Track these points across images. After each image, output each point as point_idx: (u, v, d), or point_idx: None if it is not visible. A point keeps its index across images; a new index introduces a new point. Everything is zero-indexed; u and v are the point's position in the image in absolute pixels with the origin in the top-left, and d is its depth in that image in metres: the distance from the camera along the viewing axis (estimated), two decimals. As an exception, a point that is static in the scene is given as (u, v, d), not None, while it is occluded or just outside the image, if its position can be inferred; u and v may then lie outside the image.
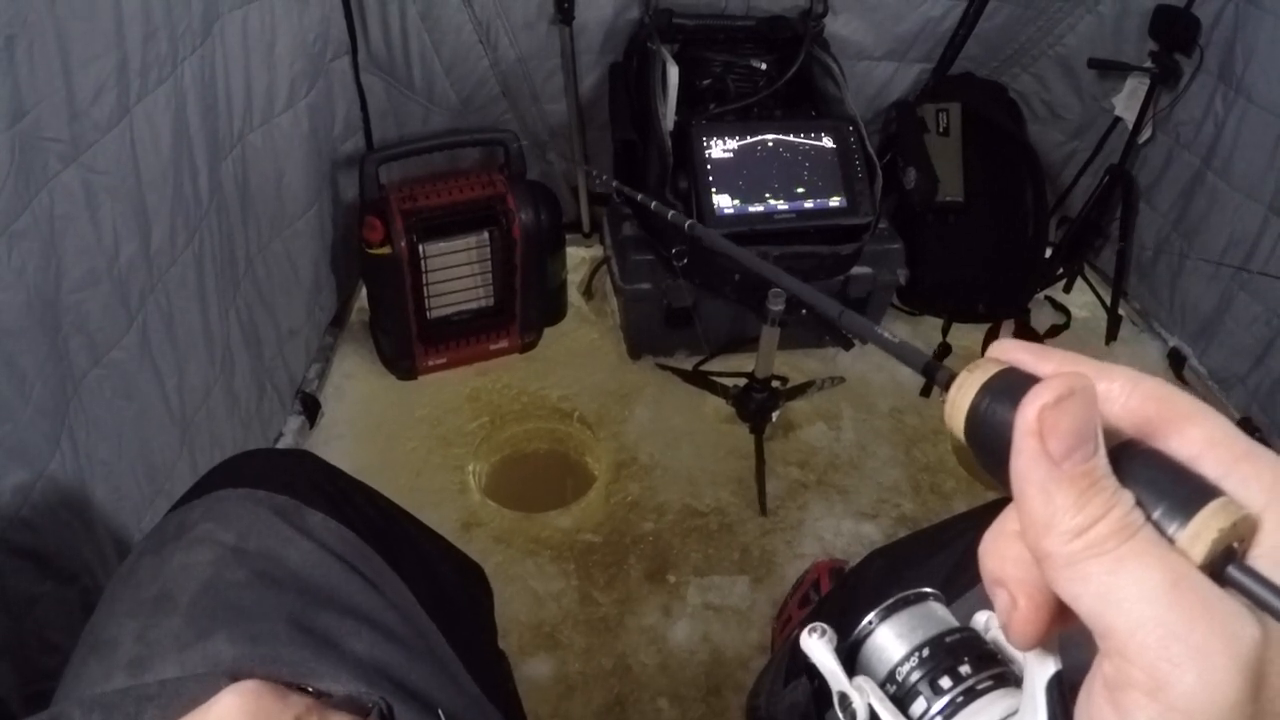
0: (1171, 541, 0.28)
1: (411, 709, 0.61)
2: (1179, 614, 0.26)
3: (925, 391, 1.92)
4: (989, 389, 0.32)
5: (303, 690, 0.51)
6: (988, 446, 0.32)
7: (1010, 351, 0.33)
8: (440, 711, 0.63)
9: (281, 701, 0.38)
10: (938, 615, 0.46)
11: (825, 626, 0.47)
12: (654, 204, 1.24)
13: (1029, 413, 0.28)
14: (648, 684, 1.41)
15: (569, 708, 1.37)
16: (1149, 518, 0.28)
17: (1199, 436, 0.29)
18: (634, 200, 1.87)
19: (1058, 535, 0.28)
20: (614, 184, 1.34)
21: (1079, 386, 0.29)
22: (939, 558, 0.80)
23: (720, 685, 1.41)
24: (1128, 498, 0.28)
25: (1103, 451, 0.29)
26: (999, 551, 0.32)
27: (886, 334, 0.42)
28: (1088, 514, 0.28)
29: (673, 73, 1.65)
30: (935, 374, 0.37)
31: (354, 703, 0.49)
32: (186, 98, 1.18)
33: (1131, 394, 0.30)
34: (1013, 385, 0.31)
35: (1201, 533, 0.27)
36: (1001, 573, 0.32)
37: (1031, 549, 0.30)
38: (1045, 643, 0.33)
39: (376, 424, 1.82)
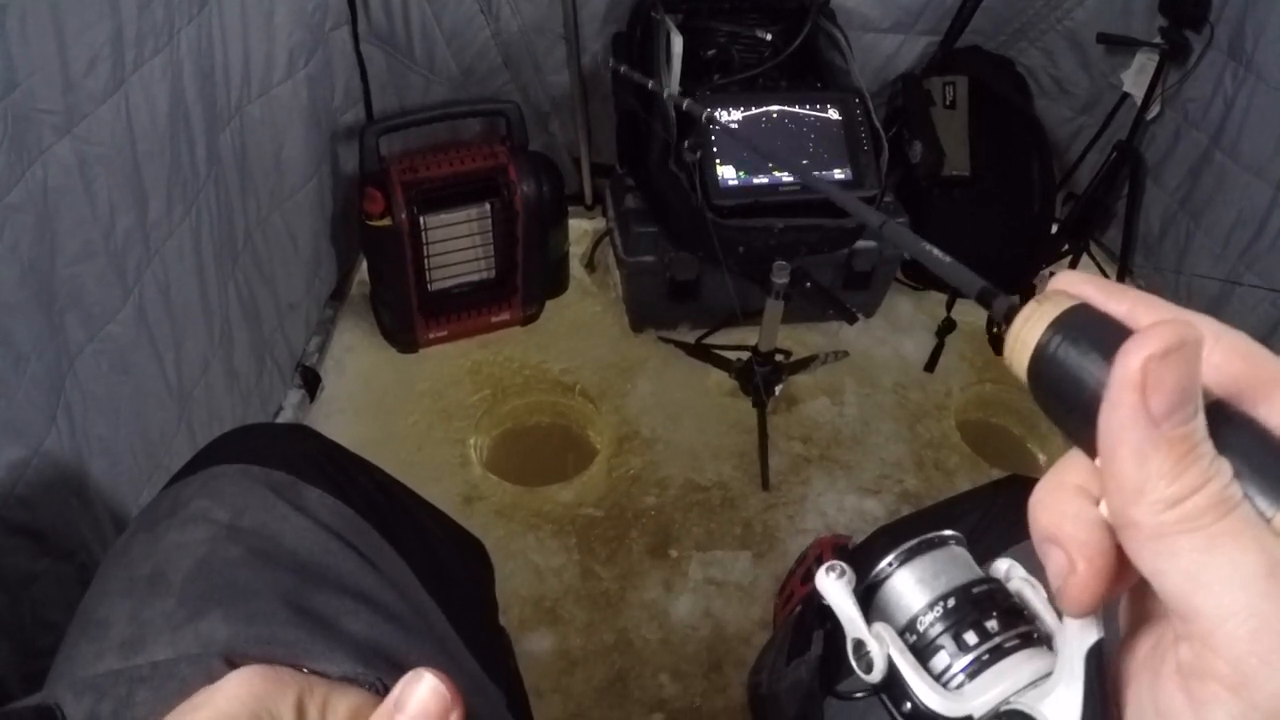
0: (1266, 521, 0.26)
1: None
2: (1275, 605, 0.24)
3: (929, 366, 1.91)
4: (1060, 326, 0.29)
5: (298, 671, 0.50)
6: (1055, 390, 0.29)
7: (1078, 285, 0.30)
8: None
9: (284, 684, 0.38)
10: (962, 562, 0.43)
11: (844, 566, 0.43)
12: (666, 93, 1.22)
13: (1133, 363, 0.25)
14: (649, 659, 1.41)
15: (570, 683, 1.38)
16: (1244, 493, 0.26)
17: None
18: (637, 177, 1.87)
19: (1149, 504, 0.26)
20: (623, 69, 1.30)
21: (1189, 338, 0.25)
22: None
23: (721, 661, 1.41)
24: (1226, 469, 0.26)
25: (1202, 414, 0.26)
26: (1056, 507, 0.30)
27: (936, 251, 0.39)
28: (1184, 483, 0.25)
29: (677, 43, 1.63)
30: (993, 302, 0.34)
31: (350, 683, 0.48)
32: (183, 68, 1.17)
33: (1215, 349, 0.28)
34: (1089, 325, 0.28)
35: None
36: (1059, 531, 0.29)
37: (1115, 514, 0.27)
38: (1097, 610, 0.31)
39: (377, 398, 1.81)
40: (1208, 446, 0.26)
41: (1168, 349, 0.25)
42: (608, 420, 1.78)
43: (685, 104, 1.01)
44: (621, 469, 1.69)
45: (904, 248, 0.42)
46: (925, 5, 1.88)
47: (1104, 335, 0.27)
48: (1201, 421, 0.26)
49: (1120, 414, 0.26)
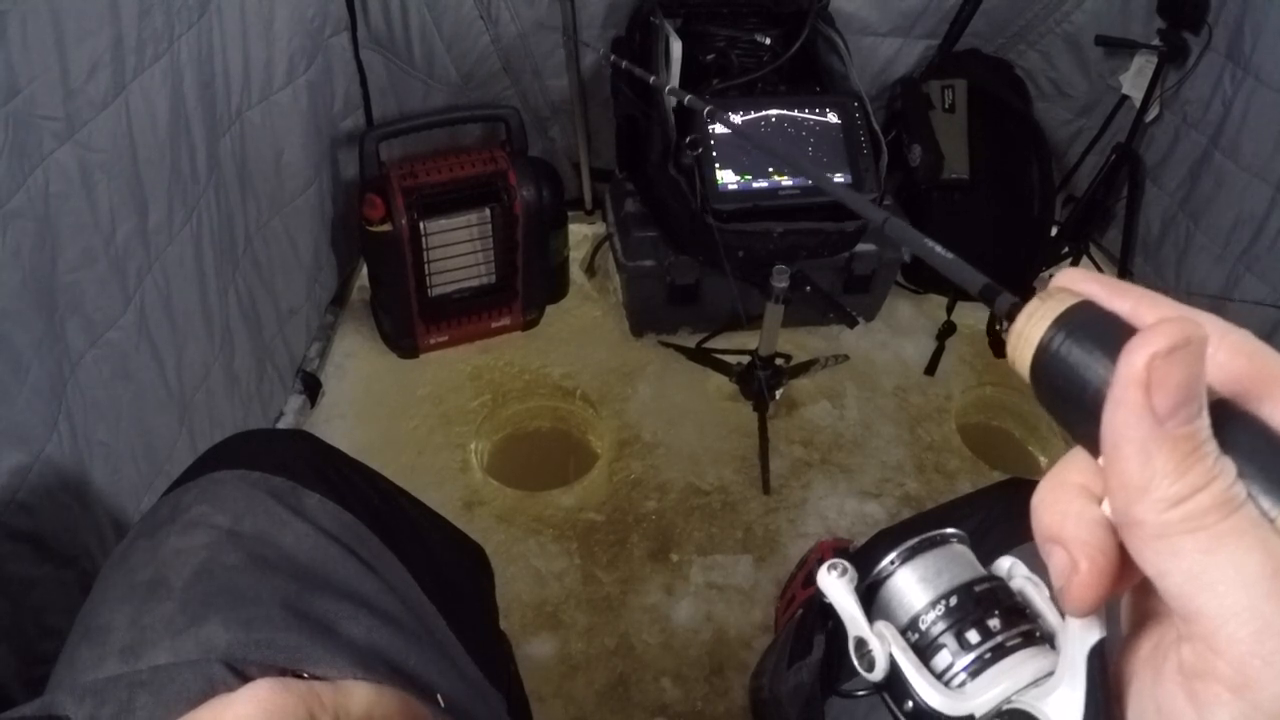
0: (1271, 521, 0.25)
1: (409, 694, 0.60)
2: (1278, 607, 0.24)
3: (930, 369, 1.91)
4: (1064, 323, 0.28)
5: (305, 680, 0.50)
6: (1058, 388, 0.29)
7: (1081, 282, 0.29)
8: (439, 696, 0.62)
9: (294, 697, 0.38)
10: (963, 560, 0.43)
11: (846, 564, 0.43)
12: (667, 87, 1.23)
13: (1137, 360, 0.25)
14: (650, 663, 1.41)
15: (571, 687, 1.37)
16: (1247, 492, 0.26)
17: None
18: (637, 181, 1.87)
19: (1153, 502, 0.26)
20: (625, 64, 1.31)
21: (1195, 336, 0.25)
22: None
23: (723, 665, 1.40)
24: (1231, 468, 0.26)
25: (1207, 413, 0.26)
26: (1058, 506, 0.29)
27: (939, 248, 0.38)
28: (1188, 482, 0.25)
29: (676, 47, 1.63)
30: (996, 299, 0.34)
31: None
32: (183, 74, 1.17)
33: (1219, 347, 0.27)
34: (1093, 322, 0.28)
35: None
36: (1061, 530, 0.29)
37: (1118, 513, 0.27)
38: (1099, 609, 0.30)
39: (378, 403, 1.81)
40: (1212, 445, 0.26)
41: (1173, 346, 0.25)
42: (608, 425, 1.78)
43: (687, 99, 1.00)
44: (622, 473, 1.69)
45: (907, 245, 0.41)
46: (924, 9, 1.89)
47: (1108, 333, 0.27)
48: (1206, 420, 0.26)
49: (1124, 412, 0.26)
